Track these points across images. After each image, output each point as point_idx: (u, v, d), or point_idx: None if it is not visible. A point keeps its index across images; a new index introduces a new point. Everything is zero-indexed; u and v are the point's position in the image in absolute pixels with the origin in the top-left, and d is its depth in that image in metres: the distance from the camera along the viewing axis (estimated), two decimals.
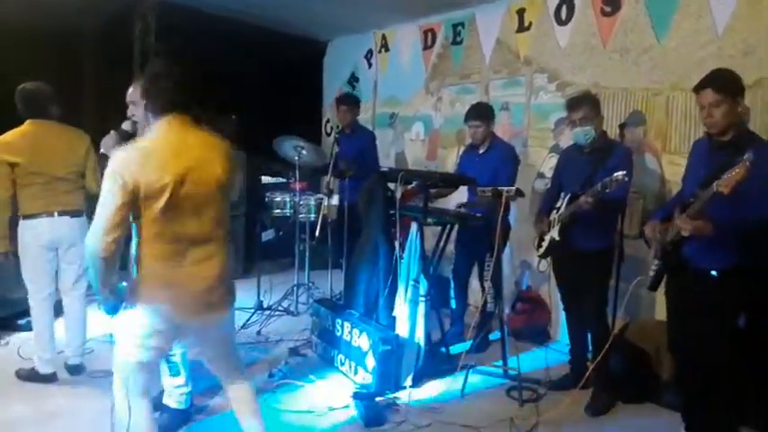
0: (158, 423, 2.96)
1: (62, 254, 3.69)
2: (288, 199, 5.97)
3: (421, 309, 3.85)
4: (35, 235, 3.57)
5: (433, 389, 3.79)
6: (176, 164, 2.27)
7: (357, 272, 4.25)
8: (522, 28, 5.23)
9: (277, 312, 5.18)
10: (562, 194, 3.67)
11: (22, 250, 3.60)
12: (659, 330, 3.54)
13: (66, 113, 3.80)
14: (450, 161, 5.92)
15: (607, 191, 3.22)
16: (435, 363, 3.97)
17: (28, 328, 4.22)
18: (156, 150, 2.30)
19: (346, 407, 3.47)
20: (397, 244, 3.96)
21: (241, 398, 2.65)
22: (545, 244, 3.73)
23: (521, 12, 5.22)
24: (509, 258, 5.11)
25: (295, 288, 5.40)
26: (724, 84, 2.72)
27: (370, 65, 6.99)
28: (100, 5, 5.68)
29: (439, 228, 4.33)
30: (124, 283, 2.35)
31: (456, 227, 4.35)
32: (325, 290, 5.46)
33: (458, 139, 5.86)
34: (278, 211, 5.95)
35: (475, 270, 4.65)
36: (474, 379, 3.85)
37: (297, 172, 5.37)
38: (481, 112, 4.45)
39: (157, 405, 2.94)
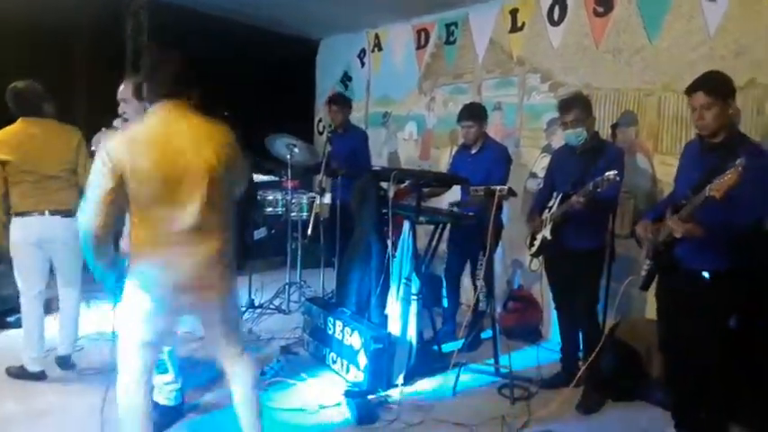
0: None
1: (54, 252, 3.67)
2: (280, 197, 5.97)
3: (413, 307, 3.85)
4: (26, 233, 3.56)
5: (425, 387, 3.80)
6: (165, 150, 2.27)
7: (349, 270, 4.25)
8: (515, 28, 5.24)
9: (269, 311, 5.17)
10: (554, 194, 3.69)
11: (13, 248, 3.59)
12: (650, 329, 3.56)
13: (58, 112, 3.78)
14: (443, 161, 5.93)
15: (599, 190, 3.24)
16: (427, 361, 3.97)
17: (17, 325, 4.21)
18: (146, 136, 2.31)
19: (338, 405, 3.47)
20: (389, 243, 3.97)
21: (239, 383, 2.65)
22: (537, 243, 3.75)
23: (514, 12, 5.23)
24: (501, 257, 5.12)
25: (287, 286, 5.39)
26: (715, 86, 2.75)
27: (363, 64, 6.99)
28: (92, 4, 5.65)
29: (431, 227, 4.33)
30: (126, 262, 2.41)
31: (448, 226, 4.35)
32: (317, 288, 5.46)
33: (451, 139, 5.87)
34: (270, 209, 5.95)
35: (467, 269, 4.66)
36: (466, 377, 3.86)
37: (289, 170, 5.36)
38: (474, 113, 4.45)
39: None
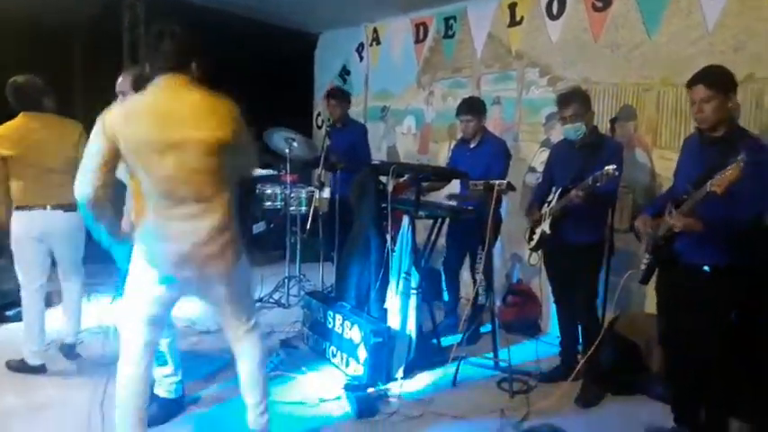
0: (149, 413, 2.98)
1: (56, 245, 3.68)
2: (279, 191, 5.97)
3: (412, 301, 3.86)
4: (28, 227, 3.56)
5: (425, 380, 3.81)
6: (161, 120, 2.28)
7: (349, 264, 4.25)
8: (513, 22, 5.24)
9: (268, 304, 5.18)
10: (553, 189, 3.69)
11: (15, 241, 3.59)
12: (649, 323, 3.59)
13: (56, 105, 3.77)
14: (441, 155, 5.94)
15: (598, 185, 3.25)
16: (427, 355, 3.98)
17: (17, 318, 4.21)
18: (143, 107, 2.33)
19: (338, 398, 3.48)
20: (388, 237, 3.97)
21: (245, 360, 2.67)
22: (536, 237, 3.76)
23: (512, 6, 5.23)
24: (500, 251, 5.13)
25: (286, 280, 5.39)
26: (715, 79, 2.75)
27: (361, 58, 6.98)
28: None
29: (430, 221, 4.34)
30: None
31: (447, 220, 4.36)
32: (317, 282, 5.46)
33: (449, 134, 5.88)
34: (269, 203, 5.96)
35: (466, 263, 4.67)
36: (465, 371, 3.87)
37: (288, 164, 5.36)
38: (473, 107, 4.46)
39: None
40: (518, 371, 3.85)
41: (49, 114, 3.67)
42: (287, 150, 5.28)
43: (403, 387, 3.62)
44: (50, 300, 3.92)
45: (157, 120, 2.28)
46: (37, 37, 5.38)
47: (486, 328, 4.35)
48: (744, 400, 3.11)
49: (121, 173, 2.53)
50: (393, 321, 3.83)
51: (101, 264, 4.66)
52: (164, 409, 3.15)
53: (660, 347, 3.39)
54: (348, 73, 7.17)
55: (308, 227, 5.12)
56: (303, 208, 5.70)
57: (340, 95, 5.59)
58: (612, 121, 3.65)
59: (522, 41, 5.19)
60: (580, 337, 3.77)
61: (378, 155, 6.41)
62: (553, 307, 4.09)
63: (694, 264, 2.82)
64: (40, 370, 3.65)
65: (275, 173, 6.34)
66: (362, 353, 3.65)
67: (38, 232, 3.58)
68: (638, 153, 4.30)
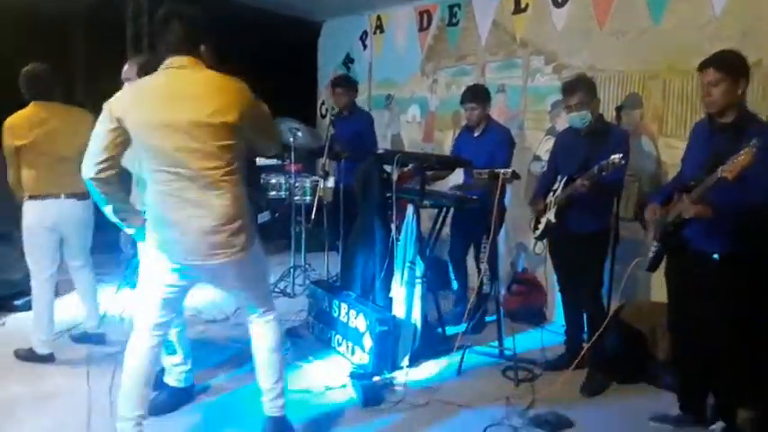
0: (158, 401, 3.02)
1: (68, 233, 3.70)
2: (283, 181, 5.97)
3: (417, 290, 3.87)
4: (40, 216, 3.58)
5: (430, 369, 3.82)
6: (167, 101, 2.27)
7: (354, 254, 4.26)
8: (518, 9, 5.20)
9: (273, 294, 5.16)
10: (559, 177, 3.68)
11: (26, 230, 3.61)
12: (655, 311, 3.59)
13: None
14: (446, 144, 5.91)
15: (603, 174, 3.24)
16: (432, 343, 3.99)
17: (25, 308, 4.24)
18: (150, 91, 2.33)
19: (344, 387, 3.50)
20: (393, 226, 3.97)
21: (259, 345, 2.71)
22: (541, 226, 3.75)
23: None
24: (504, 240, 5.13)
25: (291, 270, 5.40)
26: (725, 63, 2.71)
27: (365, 46, 6.94)
28: None
29: (435, 210, 4.33)
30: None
31: (452, 209, 4.35)
32: (322, 272, 5.47)
33: (454, 122, 5.85)
34: (273, 193, 5.95)
35: (471, 251, 4.67)
36: (470, 359, 3.88)
37: (292, 154, 5.35)
38: (477, 94, 4.44)
39: (157, 384, 2.96)
40: (523, 359, 3.85)
41: (60, 104, 3.68)
42: (291, 140, 5.27)
43: (408, 375, 3.63)
44: (58, 290, 3.94)
45: (164, 101, 2.28)
46: (40, 26, 5.37)
47: (492, 317, 4.35)
48: (752, 389, 3.10)
49: (127, 162, 2.54)
50: (398, 310, 3.84)
51: (106, 254, 4.72)
52: (173, 398, 3.18)
53: (667, 335, 3.38)
54: (352, 61, 7.13)
55: (313, 216, 5.12)
56: (308, 197, 5.69)
57: (347, 83, 5.56)
58: (618, 109, 3.63)
59: (526, 29, 5.15)
60: (585, 325, 3.78)
61: (382, 143, 6.38)
62: (558, 296, 4.09)
63: (704, 251, 2.79)
64: (48, 359, 3.68)
65: (279, 162, 6.34)
66: (368, 341, 3.66)
67: (50, 221, 3.60)
68: (644, 141, 4.28)
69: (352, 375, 3.55)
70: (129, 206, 2.55)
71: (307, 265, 5.56)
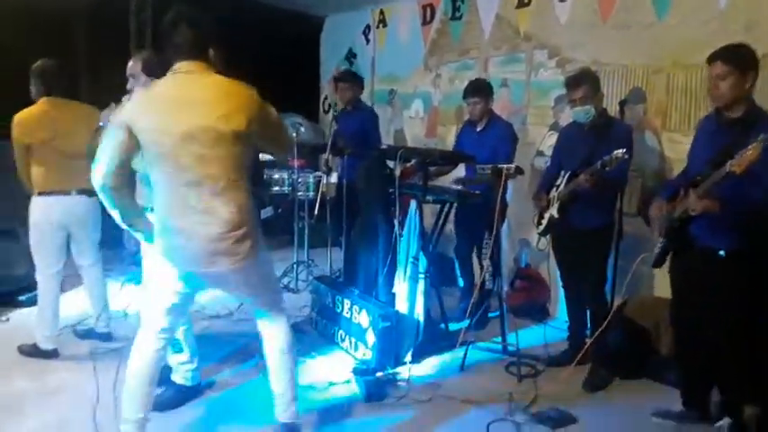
0: (164, 397, 3.02)
1: (76, 230, 3.70)
2: (286, 176, 5.97)
3: (420, 286, 3.87)
4: (48, 213, 3.58)
5: (433, 365, 3.83)
6: (174, 107, 2.26)
7: (357, 250, 4.27)
8: (521, 3, 5.18)
9: None
10: (562, 173, 3.67)
11: (33, 227, 3.61)
12: (658, 307, 3.58)
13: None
14: (449, 139, 5.89)
15: (607, 169, 3.23)
16: (435, 339, 3.99)
17: (29, 303, 4.25)
18: (159, 98, 2.32)
19: (347, 382, 3.51)
20: (396, 222, 3.97)
21: (269, 347, 2.71)
22: (544, 222, 3.75)
23: None
24: (507, 236, 5.12)
25: (295, 265, 5.41)
26: (734, 56, 2.69)
27: (367, 41, 6.93)
28: None
29: (437, 206, 4.33)
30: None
31: (455, 205, 4.34)
32: (325, 267, 5.47)
33: (457, 117, 5.84)
34: (276, 188, 5.96)
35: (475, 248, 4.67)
36: (473, 355, 3.88)
37: (295, 149, 5.35)
38: (480, 89, 4.43)
39: (164, 380, 2.97)
40: (526, 355, 3.85)
41: (69, 100, 3.67)
42: (294, 135, 5.26)
43: (411, 371, 3.64)
44: (63, 286, 3.95)
45: (172, 107, 2.27)
46: (42, 21, 5.36)
47: (495, 313, 4.35)
48: (754, 385, 3.09)
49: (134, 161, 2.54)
50: (401, 306, 3.84)
51: (112, 250, 4.72)
52: (179, 395, 3.19)
53: (670, 330, 3.36)
54: (354, 56, 7.12)
55: (316, 212, 5.12)
56: (311, 193, 5.71)
57: (350, 79, 5.52)
58: (622, 104, 3.61)
59: (530, 23, 5.13)
60: (588, 321, 3.77)
61: (385, 139, 6.35)
62: (561, 291, 4.09)
63: (710, 247, 2.78)
64: (52, 354, 3.68)
65: None
66: (371, 337, 3.67)
67: (59, 218, 3.60)
68: (648, 136, 4.26)
69: (356, 371, 3.55)
70: (138, 211, 2.53)
71: (310, 261, 5.57)
